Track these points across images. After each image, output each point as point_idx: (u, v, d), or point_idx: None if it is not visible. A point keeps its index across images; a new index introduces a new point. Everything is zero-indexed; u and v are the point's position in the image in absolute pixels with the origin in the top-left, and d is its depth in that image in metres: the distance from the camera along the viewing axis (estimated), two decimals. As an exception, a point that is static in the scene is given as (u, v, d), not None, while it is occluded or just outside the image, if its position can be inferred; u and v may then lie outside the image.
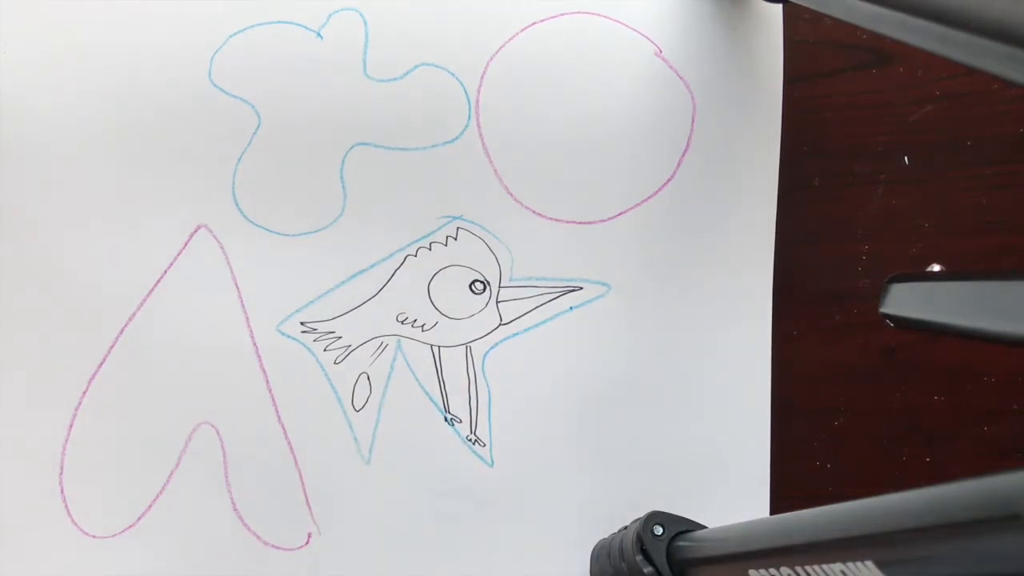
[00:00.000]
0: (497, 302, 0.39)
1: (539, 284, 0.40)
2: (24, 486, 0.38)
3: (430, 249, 0.39)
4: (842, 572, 0.22)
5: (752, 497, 0.39)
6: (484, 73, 0.39)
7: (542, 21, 0.39)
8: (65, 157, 0.39)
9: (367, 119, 0.39)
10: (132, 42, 0.39)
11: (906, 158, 0.41)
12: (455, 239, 0.39)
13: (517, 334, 0.40)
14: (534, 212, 0.40)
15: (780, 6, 0.39)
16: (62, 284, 0.38)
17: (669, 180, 0.40)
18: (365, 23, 0.39)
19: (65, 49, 0.39)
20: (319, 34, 0.39)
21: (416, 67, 0.39)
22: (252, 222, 0.39)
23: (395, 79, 0.39)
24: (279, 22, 0.39)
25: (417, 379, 0.39)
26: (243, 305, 0.39)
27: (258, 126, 0.39)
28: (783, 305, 0.40)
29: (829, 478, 0.40)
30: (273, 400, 0.39)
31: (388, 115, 0.39)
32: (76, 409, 0.38)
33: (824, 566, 0.23)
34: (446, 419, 0.39)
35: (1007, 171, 0.40)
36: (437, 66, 0.39)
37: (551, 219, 0.40)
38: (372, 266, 0.39)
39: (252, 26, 0.39)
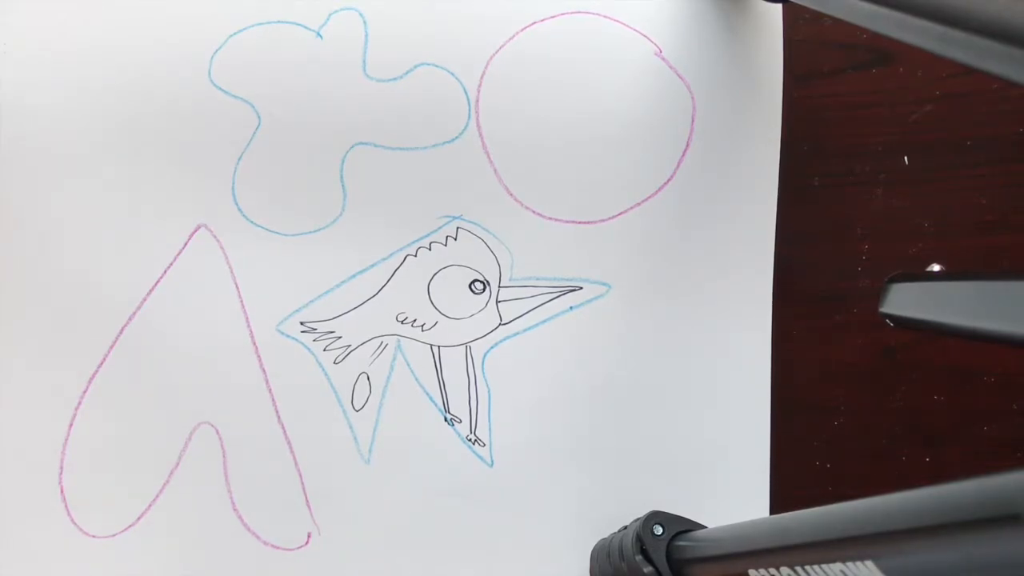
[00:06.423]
0: (497, 302, 0.39)
1: (539, 284, 0.40)
2: (24, 486, 0.38)
3: (430, 249, 0.39)
4: (842, 572, 0.22)
5: (752, 497, 0.39)
6: (484, 73, 0.39)
7: (542, 21, 0.39)
8: (65, 157, 0.39)
9: (367, 119, 0.39)
10: (132, 42, 0.39)
11: (906, 158, 0.41)
12: (455, 239, 0.39)
13: (517, 334, 0.40)
14: (534, 212, 0.39)
15: (780, 6, 0.39)
16: (62, 284, 0.38)
17: (669, 180, 0.40)
18: (365, 23, 0.39)
19: (66, 49, 0.39)
20: (319, 34, 0.39)
21: (416, 67, 0.39)
22: (252, 222, 0.39)
23: (395, 79, 0.39)
24: (279, 22, 0.39)
25: (417, 379, 0.39)
26: (243, 305, 0.39)
27: (258, 126, 0.39)
28: (783, 305, 0.40)
29: (829, 478, 0.40)
30: (273, 400, 0.39)
31: (388, 115, 0.39)
32: (76, 409, 0.38)
33: (824, 566, 0.23)
34: (446, 419, 0.39)
35: (1007, 171, 0.40)
36: (437, 66, 0.39)
37: (551, 219, 0.40)
38: (372, 266, 0.39)
39: (252, 26, 0.39)
